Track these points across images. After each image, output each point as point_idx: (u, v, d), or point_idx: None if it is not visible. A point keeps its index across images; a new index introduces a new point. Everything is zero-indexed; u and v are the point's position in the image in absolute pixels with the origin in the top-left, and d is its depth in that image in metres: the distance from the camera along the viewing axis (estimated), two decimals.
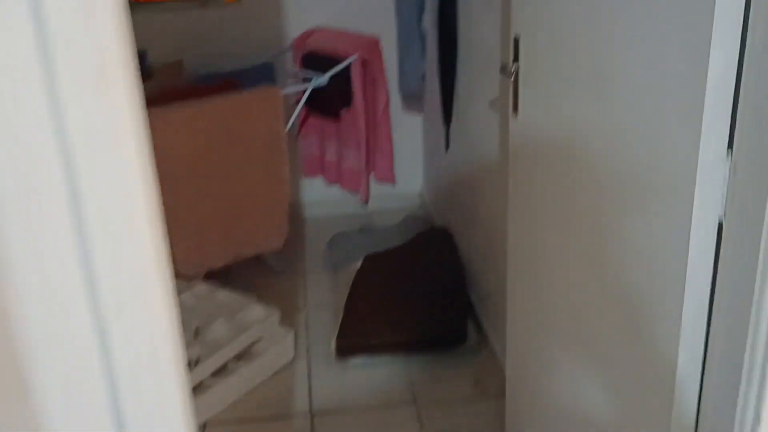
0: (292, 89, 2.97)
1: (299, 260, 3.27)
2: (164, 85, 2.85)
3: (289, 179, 2.84)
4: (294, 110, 3.12)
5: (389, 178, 3.40)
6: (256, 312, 2.50)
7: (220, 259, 2.78)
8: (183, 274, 2.66)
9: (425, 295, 2.69)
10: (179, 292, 2.56)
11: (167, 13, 3.21)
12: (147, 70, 3.05)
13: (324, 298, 2.93)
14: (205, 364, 2.26)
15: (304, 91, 3.00)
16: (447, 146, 2.93)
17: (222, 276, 2.83)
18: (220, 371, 2.33)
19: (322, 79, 2.94)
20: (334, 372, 2.48)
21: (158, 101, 2.63)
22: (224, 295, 2.57)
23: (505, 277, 1.81)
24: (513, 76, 1.55)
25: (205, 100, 2.62)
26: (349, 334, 2.53)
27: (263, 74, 3.10)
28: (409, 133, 3.59)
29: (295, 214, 3.55)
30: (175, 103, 2.58)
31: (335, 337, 2.51)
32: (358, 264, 2.94)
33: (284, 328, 2.55)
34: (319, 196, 3.64)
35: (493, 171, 2.36)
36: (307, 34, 3.28)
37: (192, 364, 2.23)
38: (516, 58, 1.54)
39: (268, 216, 2.84)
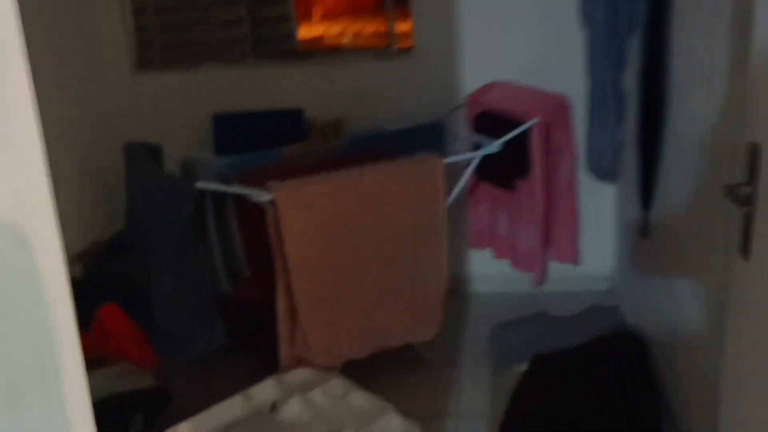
0: (458, 158, 2.57)
1: (455, 349, 2.82)
2: (316, 150, 2.59)
3: (447, 263, 2.44)
4: (461, 176, 2.72)
5: (571, 259, 2.87)
6: (393, 424, 2.10)
7: (362, 350, 2.43)
8: (319, 365, 2.35)
9: (605, 423, 2.14)
10: (311, 386, 2.25)
11: (332, 67, 2.97)
12: (304, 127, 2.81)
13: (479, 405, 2.47)
14: None
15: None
16: (645, 234, 2.36)
17: (363, 363, 2.48)
18: None
19: (493, 147, 2.51)
20: None
21: (305, 170, 2.36)
22: (359, 398, 2.21)
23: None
24: (745, 202, 1.03)
25: (353, 171, 2.30)
26: None
27: (431, 136, 2.74)
28: (598, 203, 3.03)
29: (456, 290, 3.13)
30: (319, 175, 2.29)
31: None
32: (524, 367, 2.46)
33: None
34: (487, 269, 3.18)
35: (709, 281, 1.78)
36: (483, 90, 2.87)
37: None
38: (752, 178, 1.02)
39: (420, 304, 2.46)
